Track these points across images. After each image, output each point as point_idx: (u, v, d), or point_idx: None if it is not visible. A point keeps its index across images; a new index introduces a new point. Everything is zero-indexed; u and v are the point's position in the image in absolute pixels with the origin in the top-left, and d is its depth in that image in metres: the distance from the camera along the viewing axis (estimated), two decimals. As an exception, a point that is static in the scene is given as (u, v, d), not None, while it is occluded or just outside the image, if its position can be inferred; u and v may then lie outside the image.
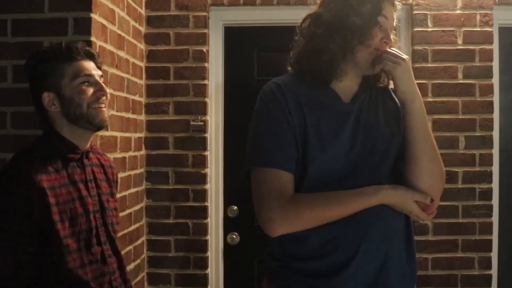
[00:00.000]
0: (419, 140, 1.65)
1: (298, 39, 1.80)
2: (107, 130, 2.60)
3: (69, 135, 1.91)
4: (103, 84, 1.93)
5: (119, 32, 2.81)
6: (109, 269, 1.92)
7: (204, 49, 3.37)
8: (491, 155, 3.33)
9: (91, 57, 1.96)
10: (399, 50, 1.73)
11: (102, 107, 1.92)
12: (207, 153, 3.40)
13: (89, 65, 1.92)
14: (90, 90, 1.89)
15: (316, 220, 1.61)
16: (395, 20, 1.76)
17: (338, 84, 1.75)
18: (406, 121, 1.67)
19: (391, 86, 1.77)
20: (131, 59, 3.05)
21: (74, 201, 1.84)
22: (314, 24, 1.74)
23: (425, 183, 1.65)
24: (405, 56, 1.68)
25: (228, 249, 3.48)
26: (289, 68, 1.84)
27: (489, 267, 3.31)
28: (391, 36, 1.73)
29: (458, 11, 3.34)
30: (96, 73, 1.93)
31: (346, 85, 1.75)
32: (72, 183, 1.86)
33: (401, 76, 1.66)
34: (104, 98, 1.93)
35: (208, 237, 3.41)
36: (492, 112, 3.33)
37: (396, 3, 1.74)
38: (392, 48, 1.71)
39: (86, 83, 1.89)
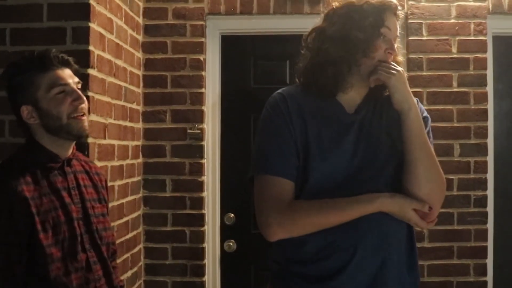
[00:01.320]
0: (416, 149, 1.67)
1: (304, 52, 1.83)
2: (104, 138, 2.62)
3: (49, 145, 1.89)
4: (79, 92, 1.89)
5: (117, 41, 2.83)
6: (94, 276, 1.90)
7: (201, 58, 3.39)
8: (485, 162, 3.35)
9: (66, 64, 1.92)
10: (403, 57, 1.75)
11: (81, 116, 1.89)
12: (204, 161, 3.42)
13: (64, 73, 1.89)
14: (68, 100, 1.86)
15: (312, 226, 1.64)
16: (398, 30, 1.78)
17: (343, 96, 1.77)
18: (403, 131, 1.69)
19: None
20: (129, 68, 3.07)
21: (57, 209, 1.82)
22: (319, 39, 1.77)
23: (422, 191, 1.65)
24: (399, 68, 1.71)
25: (225, 257, 3.49)
26: (297, 80, 1.87)
27: (484, 273, 3.33)
28: (396, 45, 1.76)
29: (452, 20, 3.37)
30: (72, 80, 1.90)
31: (351, 97, 1.78)
32: (54, 192, 1.84)
33: (396, 86, 1.68)
34: (82, 106, 1.89)
35: (205, 245, 3.42)
36: (486, 120, 3.36)
37: (398, 12, 1.77)
38: (387, 62, 1.73)
39: (63, 93, 1.86)
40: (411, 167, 1.67)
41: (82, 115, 1.90)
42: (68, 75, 1.90)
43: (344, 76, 1.73)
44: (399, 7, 1.77)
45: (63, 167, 1.92)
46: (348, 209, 1.62)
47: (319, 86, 1.75)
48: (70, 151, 1.96)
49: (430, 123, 1.78)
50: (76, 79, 1.93)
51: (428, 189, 1.66)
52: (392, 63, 1.73)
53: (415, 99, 1.72)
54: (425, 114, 1.77)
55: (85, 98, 1.91)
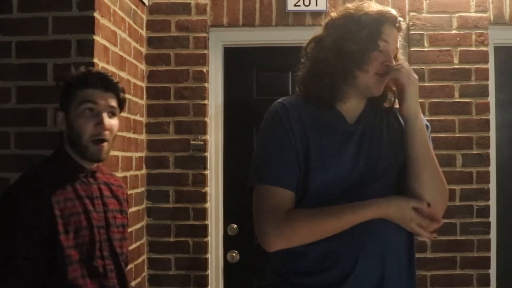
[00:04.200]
0: (421, 157, 1.66)
1: (303, 61, 1.83)
2: (109, 149, 2.64)
3: (75, 156, 1.95)
4: (104, 117, 1.93)
5: (121, 53, 2.85)
6: (109, 283, 1.94)
7: (204, 70, 3.41)
8: (488, 172, 3.36)
9: (108, 88, 1.96)
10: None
11: (102, 143, 1.93)
12: (207, 172, 3.43)
13: (100, 95, 1.93)
14: (92, 121, 1.91)
15: (310, 235, 1.63)
16: (399, 41, 1.77)
17: (342, 106, 1.77)
18: (408, 138, 1.68)
19: (396, 105, 1.78)
20: (132, 80, 3.10)
21: (80, 214, 1.88)
22: (317, 48, 1.78)
23: (426, 198, 1.64)
24: (416, 77, 1.70)
25: (228, 267, 3.50)
26: (297, 90, 1.87)
27: (487, 284, 3.33)
28: (398, 56, 1.76)
29: (454, 31, 3.39)
30: (105, 104, 1.94)
31: (351, 106, 1.77)
32: (78, 198, 1.90)
33: (412, 93, 1.67)
34: (106, 132, 1.93)
35: (208, 255, 3.43)
36: (488, 130, 3.37)
37: (401, 24, 1.75)
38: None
39: (89, 112, 1.91)
40: (417, 175, 1.65)
41: (103, 142, 1.93)
42: (103, 98, 1.94)
43: (341, 86, 1.72)
44: (400, 19, 1.75)
45: (87, 177, 1.98)
46: (346, 215, 1.60)
47: (317, 96, 1.75)
48: (94, 165, 2.02)
49: (430, 131, 1.76)
50: (111, 104, 1.96)
51: (432, 197, 1.64)
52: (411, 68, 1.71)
53: None
54: (425, 122, 1.75)
55: (110, 126, 1.95)
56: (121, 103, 2.04)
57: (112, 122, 1.97)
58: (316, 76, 1.75)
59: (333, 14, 1.79)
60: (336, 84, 1.72)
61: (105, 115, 1.94)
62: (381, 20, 1.70)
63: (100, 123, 1.91)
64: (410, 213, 1.63)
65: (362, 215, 1.61)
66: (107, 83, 1.97)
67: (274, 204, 1.65)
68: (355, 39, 1.68)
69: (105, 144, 1.95)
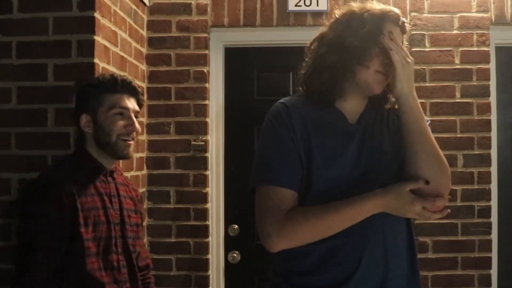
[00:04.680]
0: (415, 134, 1.63)
1: (307, 60, 1.82)
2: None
3: (96, 156, 2.08)
4: (135, 120, 2.09)
5: (121, 53, 2.85)
6: (121, 278, 2.04)
7: (205, 70, 3.41)
8: (489, 173, 3.36)
9: (133, 93, 2.14)
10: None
11: (129, 141, 2.09)
12: (208, 172, 3.43)
13: (128, 100, 2.10)
14: (122, 123, 2.06)
15: (312, 233, 1.62)
16: (401, 40, 1.74)
17: (343, 104, 1.76)
18: (402, 119, 1.66)
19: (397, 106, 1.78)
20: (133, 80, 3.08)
21: (98, 209, 1.99)
22: (319, 44, 1.78)
23: (424, 176, 1.60)
24: (412, 59, 1.68)
25: (229, 268, 3.49)
26: (300, 89, 1.86)
27: (489, 284, 3.32)
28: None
29: (455, 31, 3.38)
30: (133, 108, 2.11)
31: (352, 105, 1.77)
32: (98, 194, 2.02)
33: (404, 73, 1.64)
34: (134, 133, 2.09)
35: (209, 256, 3.43)
36: (489, 130, 3.37)
37: (404, 25, 1.74)
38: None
39: (119, 116, 2.07)
40: (412, 156, 1.63)
41: (130, 140, 2.10)
42: (130, 103, 2.12)
43: (340, 81, 1.72)
44: (404, 19, 1.74)
45: (106, 176, 2.11)
46: (346, 208, 1.59)
47: (317, 92, 1.75)
48: (113, 165, 2.16)
49: (428, 126, 1.72)
50: (137, 109, 2.15)
51: (430, 173, 1.61)
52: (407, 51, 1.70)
53: None
54: (425, 118, 1.72)
55: (139, 128, 2.13)
56: (140, 106, 2.20)
57: (138, 125, 2.13)
58: (316, 71, 1.75)
59: (337, 12, 1.79)
60: (335, 78, 1.71)
61: (134, 117, 2.11)
62: (383, 18, 1.70)
63: (131, 124, 2.08)
64: (408, 197, 1.60)
65: (361, 208, 1.60)
66: (132, 89, 2.13)
67: (276, 204, 1.64)
68: (356, 34, 1.68)
69: (132, 142, 2.11)
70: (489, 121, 3.37)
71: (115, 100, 2.07)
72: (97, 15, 2.45)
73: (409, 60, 1.66)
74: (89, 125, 2.07)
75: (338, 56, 1.70)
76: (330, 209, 1.60)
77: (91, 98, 2.07)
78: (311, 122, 1.71)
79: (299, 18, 3.43)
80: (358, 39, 1.68)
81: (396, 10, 1.74)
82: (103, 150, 2.07)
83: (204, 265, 3.39)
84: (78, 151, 2.14)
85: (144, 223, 3.33)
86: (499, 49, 3.49)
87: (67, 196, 1.89)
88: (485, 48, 3.38)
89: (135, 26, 3.15)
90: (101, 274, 1.94)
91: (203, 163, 3.40)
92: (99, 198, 2.01)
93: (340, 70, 1.70)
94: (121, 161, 2.77)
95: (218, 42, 3.52)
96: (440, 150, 1.67)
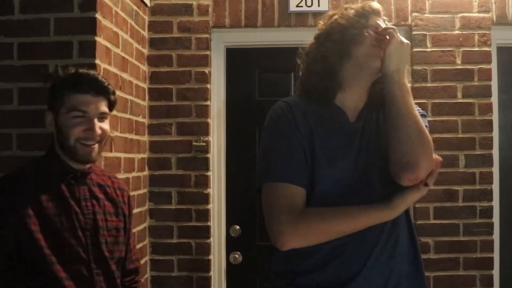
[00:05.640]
0: (398, 115, 1.62)
1: (302, 66, 1.85)
2: (111, 151, 2.64)
3: (64, 157, 1.94)
4: (96, 123, 1.91)
5: (123, 54, 2.85)
6: (96, 287, 1.89)
7: (206, 71, 3.41)
8: (491, 173, 3.35)
9: (99, 92, 1.93)
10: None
11: (91, 145, 1.91)
12: (209, 173, 3.43)
13: (91, 101, 1.90)
14: (80, 127, 1.89)
15: (325, 234, 1.63)
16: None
17: (343, 98, 1.77)
18: (386, 98, 1.66)
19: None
20: (134, 81, 3.09)
21: (61, 215, 1.84)
22: (314, 42, 1.81)
23: (403, 154, 1.60)
24: (407, 41, 1.70)
25: (231, 269, 3.49)
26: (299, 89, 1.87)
27: (490, 284, 3.32)
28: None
29: (456, 32, 3.38)
30: (96, 110, 1.91)
31: (351, 100, 1.77)
32: (62, 199, 1.87)
33: (393, 51, 1.66)
34: (94, 136, 1.90)
35: (211, 257, 3.43)
36: (491, 130, 3.37)
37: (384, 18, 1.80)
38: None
39: (80, 118, 1.89)
40: (392, 132, 1.64)
41: (93, 144, 1.91)
42: (94, 103, 1.91)
43: (338, 69, 1.73)
44: (381, 10, 1.80)
45: (75, 178, 1.94)
46: (361, 216, 1.62)
47: (316, 87, 1.75)
48: (86, 166, 1.99)
49: (426, 120, 1.72)
50: (102, 110, 1.94)
51: (414, 154, 1.59)
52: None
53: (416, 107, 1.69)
54: (422, 112, 1.73)
55: (101, 131, 1.93)
56: (112, 105, 2.01)
57: (103, 126, 1.95)
58: (312, 65, 1.77)
59: (325, 17, 1.85)
60: (332, 66, 1.73)
61: (95, 121, 1.91)
62: (368, 11, 1.76)
63: (91, 129, 1.90)
64: (414, 199, 1.66)
65: (375, 219, 1.63)
66: (97, 87, 1.93)
67: (287, 202, 1.63)
68: (347, 18, 1.74)
69: (96, 145, 1.93)
70: (490, 121, 3.37)
71: (76, 101, 1.88)
72: (98, 16, 2.45)
73: (406, 41, 1.69)
74: (51, 124, 1.94)
75: (332, 43, 1.73)
76: (347, 214, 1.62)
77: (55, 96, 1.92)
78: (314, 120, 1.72)
79: (301, 19, 3.43)
80: (349, 22, 1.73)
81: (377, 5, 1.80)
82: (64, 152, 1.92)
83: (205, 266, 3.39)
84: (46, 154, 1.98)
85: (146, 224, 3.33)
86: (501, 49, 3.49)
87: (24, 202, 1.78)
88: (487, 48, 3.38)
89: (136, 27, 3.15)
90: (69, 283, 1.80)
91: (205, 163, 3.40)
92: (63, 204, 1.86)
93: (335, 55, 1.72)
94: (122, 162, 2.79)
95: (220, 42, 3.52)
96: (424, 129, 1.64)
